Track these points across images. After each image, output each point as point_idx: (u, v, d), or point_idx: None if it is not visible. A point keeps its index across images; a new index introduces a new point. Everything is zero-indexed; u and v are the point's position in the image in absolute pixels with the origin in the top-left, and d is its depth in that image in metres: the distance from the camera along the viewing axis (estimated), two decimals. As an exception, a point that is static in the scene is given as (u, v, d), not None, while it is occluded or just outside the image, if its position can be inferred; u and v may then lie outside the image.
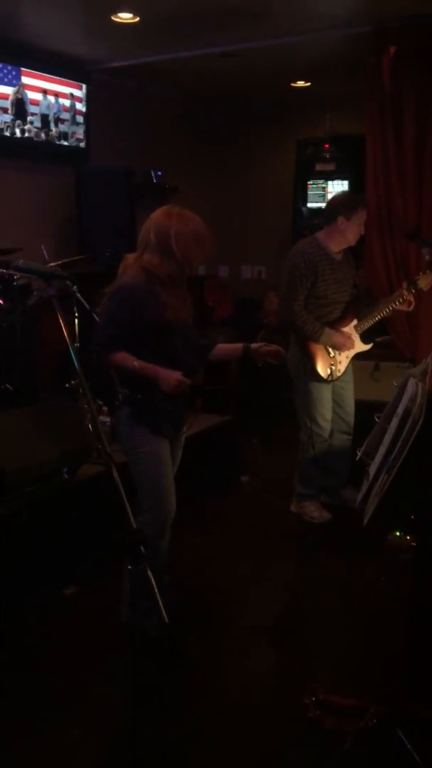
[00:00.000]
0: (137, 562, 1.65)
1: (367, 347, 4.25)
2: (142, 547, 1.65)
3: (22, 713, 2.62)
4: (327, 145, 6.58)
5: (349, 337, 4.08)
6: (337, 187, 6.60)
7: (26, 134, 5.24)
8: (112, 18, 4.58)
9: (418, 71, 4.50)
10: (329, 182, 6.65)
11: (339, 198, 4.21)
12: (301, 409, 4.18)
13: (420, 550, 2.64)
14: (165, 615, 1.60)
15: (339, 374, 4.12)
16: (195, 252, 2.78)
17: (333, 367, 4.07)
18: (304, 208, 6.80)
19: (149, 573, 1.63)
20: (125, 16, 4.55)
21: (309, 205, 6.79)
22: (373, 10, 4.46)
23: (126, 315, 2.71)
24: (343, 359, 4.13)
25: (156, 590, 1.63)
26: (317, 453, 4.15)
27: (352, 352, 4.15)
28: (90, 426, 4.19)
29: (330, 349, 4.05)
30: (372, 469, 1.98)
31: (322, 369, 4.04)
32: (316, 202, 6.73)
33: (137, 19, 4.59)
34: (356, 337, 4.15)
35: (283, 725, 2.59)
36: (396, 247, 4.68)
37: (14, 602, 3.25)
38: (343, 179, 6.58)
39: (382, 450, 1.90)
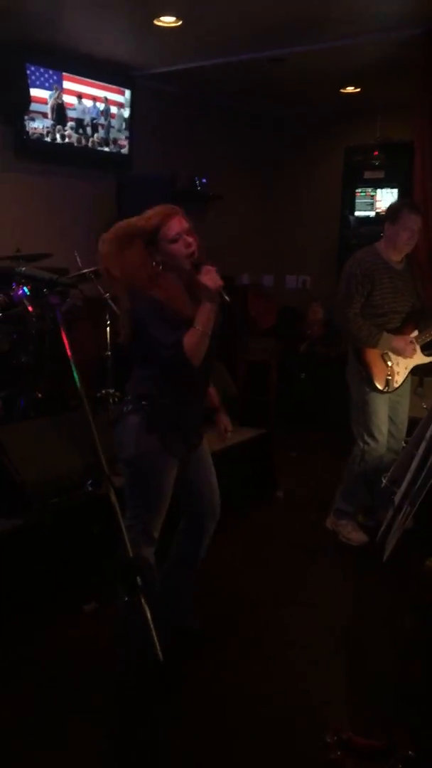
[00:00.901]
0: (133, 592, 1.53)
1: (429, 360, 4.05)
2: (138, 578, 1.52)
3: (26, 730, 2.53)
4: (376, 152, 6.40)
5: (410, 342, 3.91)
6: (386, 195, 6.41)
7: (66, 140, 5.21)
8: (155, 22, 4.51)
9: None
10: (378, 190, 6.47)
11: (390, 204, 4.08)
12: (357, 421, 4.03)
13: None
14: (160, 653, 1.47)
15: (396, 386, 3.95)
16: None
17: (390, 378, 3.91)
18: (351, 217, 6.62)
19: (146, 607, 1.51)
20: (168, 20, 4.48)
21: (357, 213, 6.61)
22: (425, 10, 4.29)
23: (160, 312, 2.50)
24: (402, 370, 3.96)
25: (151, 624, 1.50)
26: (368, 468, 3.97)
27: (411, 363, 3.98)
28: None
29: (387, 360, 3.90)
30: (397, 498, 1.82)
31: (378, 379, 3.89)
32: (364, 210, 6.55)
33: (180, 22, 4.51)
34: (417, 348, 3.98)
35: (301, 766, 2.43)
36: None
37: (33, 616, 3.17)
38: (392, 187, 6.38)
39: (408, 477, 1.74)
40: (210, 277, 2.43)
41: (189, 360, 2.47)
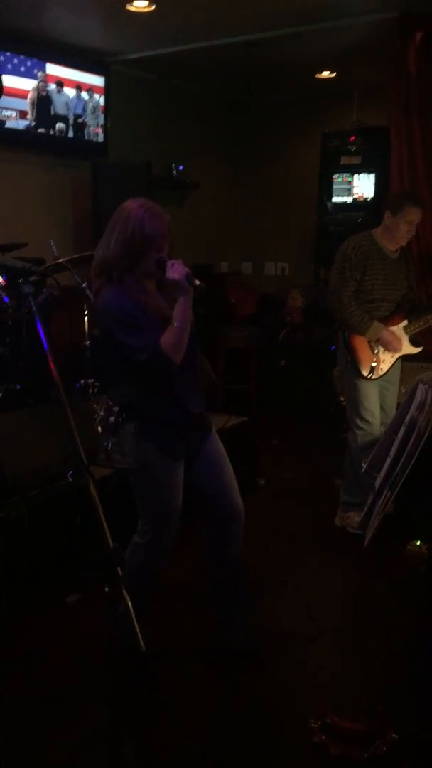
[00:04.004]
0: (114, 583, 1.52)
1: (417, 350, 4.08)
2: (118, 568, 1.51)
3: (9, 723, 2.52)
4: (353, 138, 6.37)
5: (396, 336, 3.94)
6: (363, 180, 6.40)
7: (43, 129, 5.15)
8: (128, 7, 4.46)
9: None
10: (355, 176, 6.45)
11: (392, 193, 4.09)
12: (348, 406, 4.08)
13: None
14: (143, 643, 1.46)
15: (381, 373, 3.97)
16: None
17: (375, 365, 3.93)
18: (329, 203, 6.60)
19: (127, 597, 1.50)
20: (141, 5, 4.43)
21: (334, 199, 6.59)
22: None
23: (127, 315, 2.45)
24: (387, 358, 3.97)
25: (134, 615, 1.50)
26: (360, 452, 3.94)
27: (398, 353, 4.00)
28: (98, 428, 4.10)
29: (374, 347, 3.92)
30: (377, 483, 1.82)
31: (363, 365, 3.91)
32: (342, 196, 6.54)
33: (153, 7, 4.46)
34: (404, 339, 4.00)
35: (285, 750, 2.44)
36: (421, 243, 4.48)
37: (15, 609, 3.15)
38: (369, 172, 6.36)
39: (387, 462, 1.74)
40: (175, 269, 2.37)
41: (168, 358, 2.42)
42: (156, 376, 2.49)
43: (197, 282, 2.36)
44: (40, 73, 5.03)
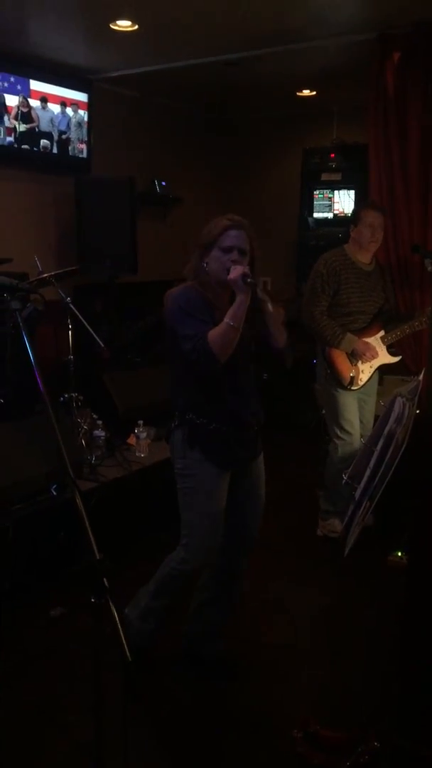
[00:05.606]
0: (101, 594, 1.55)
1: (395, 360, 4.16)
2: (105, 579, 1.54)
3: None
4: (333, 155, 6.48)
5: (370, 346, 3.99)
6: (344, 197, 6.51)
7: (27, 145, 5.19)
8: (111, 26, 4.52)
9: (423, 78, 4.39)
10: (335, 192, 6.55)
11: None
12: (328, 417, 4.14)
13: (413, 574, 2.50)
14: (128, 653, 1.49)
15: (360, 384, 4.04)
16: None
17: (354, 376, 4.00)
18: (310, 218, 6.69)
19: (113, 608, 1.53)
20: (124, 24, 4.49)
21: (315, 215, 6.68)
22: (379, 16, 4.37)
23: (191, 305, 2.54)
24: (366, 369, 4.05)
25: (119, 625, 1.52)
26: (342, 463, 3.99)
27: (375, 363, 4.07)
28: (82, 442, 4.12)
29: (352, 358, 3.99)
30: (357, 494, 1.87)
31: (343, 376, 3.98)
32: (323, 212, 6.63)
33: (136, 26, 4.52)
34: (382, 349, 4.08)
35: (269, 760, 2.47)
36: (400, 259, 4.55)
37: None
38: (349, 189, 6.47)
39: (366, 474, 1.78)
40: (234, 271, 2.46)
41: (211, 352, 2.43)
42: (201, 372, 2.52)
43: (249, 279, 2.46)
44: (29, 89, 5.07)
